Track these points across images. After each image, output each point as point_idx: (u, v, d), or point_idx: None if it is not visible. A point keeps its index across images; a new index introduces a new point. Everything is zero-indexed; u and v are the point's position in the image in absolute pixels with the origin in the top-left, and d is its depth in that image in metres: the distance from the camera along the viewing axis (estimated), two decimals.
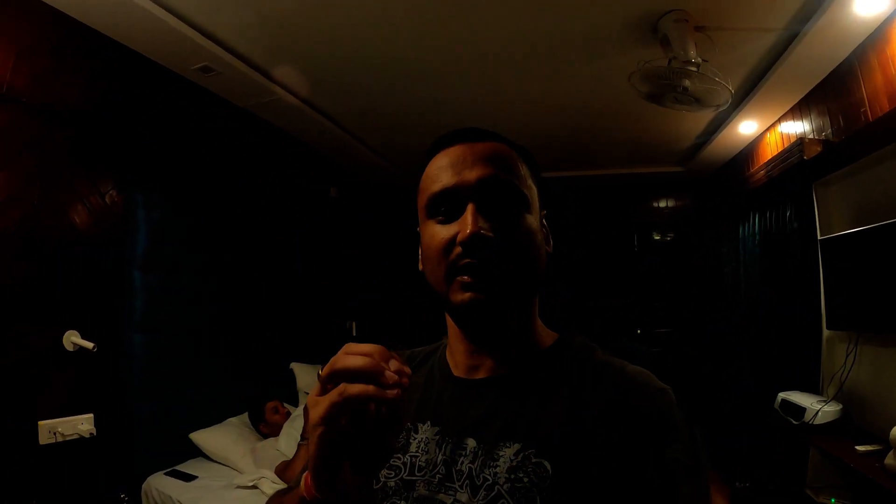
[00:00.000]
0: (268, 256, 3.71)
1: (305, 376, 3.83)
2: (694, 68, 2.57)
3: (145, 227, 2.71)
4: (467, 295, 0.71)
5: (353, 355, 0.55)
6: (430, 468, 0.75)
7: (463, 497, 0.70)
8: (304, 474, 0.60)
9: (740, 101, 3.39)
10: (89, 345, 2.33)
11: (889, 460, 2.25)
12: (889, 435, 2.26)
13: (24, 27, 2.19)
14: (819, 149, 2.89)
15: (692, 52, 2.55)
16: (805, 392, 3.17)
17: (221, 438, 2.94)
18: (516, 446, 0.70)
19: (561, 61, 3.04)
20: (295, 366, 3.87)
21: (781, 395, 3.22)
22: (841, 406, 2.87)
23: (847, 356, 2.95)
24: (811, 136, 3.06)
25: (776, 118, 3.57)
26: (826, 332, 3.28)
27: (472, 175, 0.74)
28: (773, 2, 2.41)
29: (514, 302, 0.75)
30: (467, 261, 0.71)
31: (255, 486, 2.62)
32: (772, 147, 3.69)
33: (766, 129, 3.77)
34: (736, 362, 4.41)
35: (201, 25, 2.61)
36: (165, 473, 2.67)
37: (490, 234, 0.71)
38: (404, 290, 5.53)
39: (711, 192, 5.19)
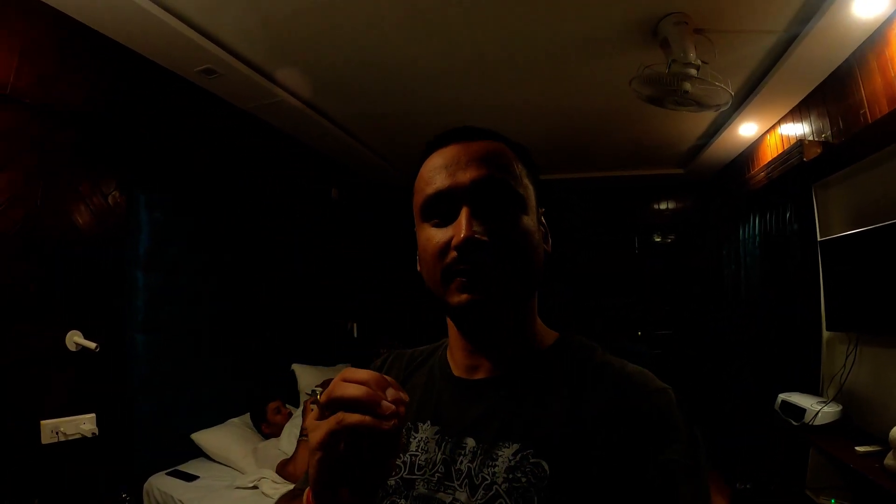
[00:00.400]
0: (269, 257, 3.72)
1: (306, 377, 3.83)
2: (694, 71, 2.58)
3: (147, 227, 2.72)
4: (464, 296, 0.71)
5: (351, 384, 0.56)
6: (430, 467, 0.75)
7: (462, 496, 0.70)
8: (306, 491, 0.61)
9: (740, 103, 3.40)
10: (92, 345, 2.34)
11: (889, 461, 2.25)
12: (889, 435, 2.26)
13: (27, 28, 2.20)
14: (819, 150, 2.89)
15: (692, 55, 2.56)
16: (805, 393, 3.17)
17: (223, 439, 2.95)
18: (515, 446, 0.70)
19: (561, 64, 3.05)
20: (296, 367, 3.87)
21: (781, 396, 3.22)
22: (841, 407, 2.88)
23: (847, 357, 2.96)
24: (811, 138, 3.07)
25: (776, 120, 3.58)
26: (826, 334, 3.28)
27: (465, 177, 0.73)
28: (773, 4, 2.42)
29: (511, 302, 0.74)
30: (462, 266, 0.71)
31: (255, 487, 2.62)
32: (772, 149, 3.70)
33: (767, 131, 3.78)
34: (736, 363, 4.41)
35: (204, 28, 2.63)
36: (167, 473, 2.67)
37: (485, 238, 0.70)
38: (405, 291, 5.55)
39: (712, 194, 5.19)
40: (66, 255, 2.35)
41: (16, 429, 2.11)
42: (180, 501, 2.47)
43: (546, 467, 0.67)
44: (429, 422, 0.80)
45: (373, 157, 4.70)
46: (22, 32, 2.18)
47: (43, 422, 2.19)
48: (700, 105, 2.73)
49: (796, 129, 3.31)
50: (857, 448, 2.52)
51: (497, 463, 0.70)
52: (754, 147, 4.04)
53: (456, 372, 0.83)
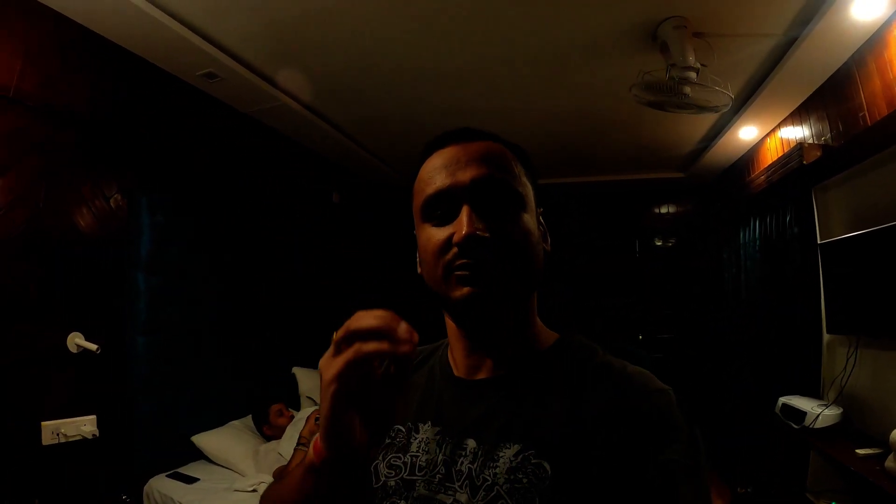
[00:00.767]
0: (270, 260, 3.73)
1: (307, 381, 3.83)
2: (693, 74, 2.59)
3: (149, 229, 2.73)
4: (465, 290, 0.71)
5: (367, 316, 0.58)
6: (431, 468, 0.75)
7: (462, 497, 0.70)
8: (314, 439, 0.62)
9: (740, 106, 3.41)
10: (93, 346, 2.35)
11: (889, 463, 2.25)
12: (889, 438, 2.25)
13: (31, 32, 2.22)
14: (818, 153, 2.90)
15: (691, 59, 2.57)
16: (805, 396, 3.17)
17: (223, 441, 2.95)
18: (516, 447, 0.70)
19: (562, 68, 3.07)
20: (297, 370, 3.87)
21: (782, 399, 3.22)
22: (841, 410, 2.87)
23: (847, 360, 2.95)
24: (810, 141, 3.07)
25: (776, 123, 3.59)
26: (826, 336, 3.28)
27: (465, 176, 0.74)
28: (771, 7, 2.43)
29: (512, 298, 0.74)
30: (464, 261, 0.71)
31: (254, 491, 2.62)
32: (772, 152, 3.71)
33: (767, 135, 3.79)
34: (737, 366, 4.40)
35: (206, 32, 2.64)
36: (167, 475, 2.67)
37: (486, 234, 0.71)
38: (406, 294, 5.56)
39: (712, 198, 5.20)
40: (68, 256, 2.36)
41: (16, 430, 2.12)
42: (180, 503, 2.47)
43: (547, 468, 0.67)
44: (429, 422, 0.80)
45: (374, 160, 4.71)
46: (25, 35, 2.20)
47: (44, 423, 2.20)
48: (700, 108, 2.74)
49: (796, 133, 3.32)
50: (857, 450, 2.51)
51: (498, 464, 0.70)
52: (754, 150, 4.04)
53: (456, 372, 0.83)
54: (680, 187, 5.48)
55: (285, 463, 2.82)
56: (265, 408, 3.21)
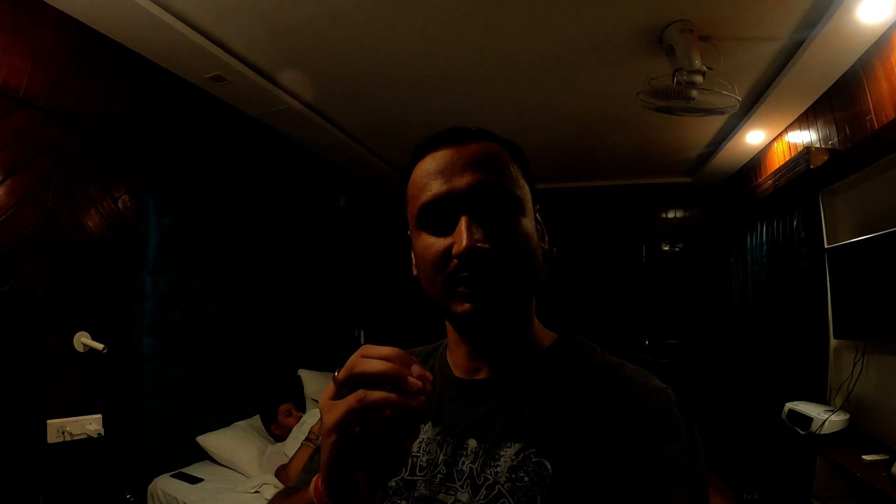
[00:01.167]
0: (277, 263, 3.74)
1: (313, 383, 3.84)
2: (700, 78, 2.59)
3: (156, 231, 2.74)
4: (467, 306, 0.71)
5: (373, 359, 0.53)
6: (432, 468, 0.75)
7: (464, 497, 0.70)
8: (315, 478, 0.59)
9: (747, 110, 3.40)
10: (99, 346, 2.36)
11: None
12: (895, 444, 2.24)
13: (40, 34, 2.24)
14: (825, 157, 2.89)
15: (697, 62, 2.56)
16: (812, 402, 3.15)
17: (228, 442, 2.96)
18: (517, 446, 0.70)
19: (568, 72, 3.07)
20: (303, 372, 3.88)
21: (788, 404, 3.20)
22: (848, 415, 2.85)
23: (854, 365, 2.93)
24: (818, 145, 3.06)
25: (783, 128, 3.58)
26: (833, 342, 3.26)
27: (462, 182, 0.72)
28: (777, 11, 2.42)
29: (513, 309, 0.74)
30: (465, 274, 0.70)
31: (257, 492, 2.63)
32: (779, 156, 3.69)
33: (774, 139, 3.77)
34: (743, 372, 4.38)
35: (214, 35, 2.67)
36: (171, 475, 2.68)
37: (486, 246, 0.69)
38: (411, 298, 5.56)
39: (720, 203, 5.19)
40: (76, 256, 2.38)
41: (22, 427, 2.13)
42: (184, 503, 2.48)
43: (549, 466, 0.67)
44: (430, 423, 0.80)
45: (380, 164, 4.72)
46: (34, 37, 2.22)
47: (49, 421, 2.21)
48: (708, 111, 2.74)
49: (803, 137, 3.30)
50: (864, 457, 2.49)
51: (499, 463, 0.70)
52: (761, 155, 4.03)
53: (456, 372, 0.83)
54: (687, 192, 5.46)
55: (286, 462, 2.83)
56: (274, 407, 3.22)
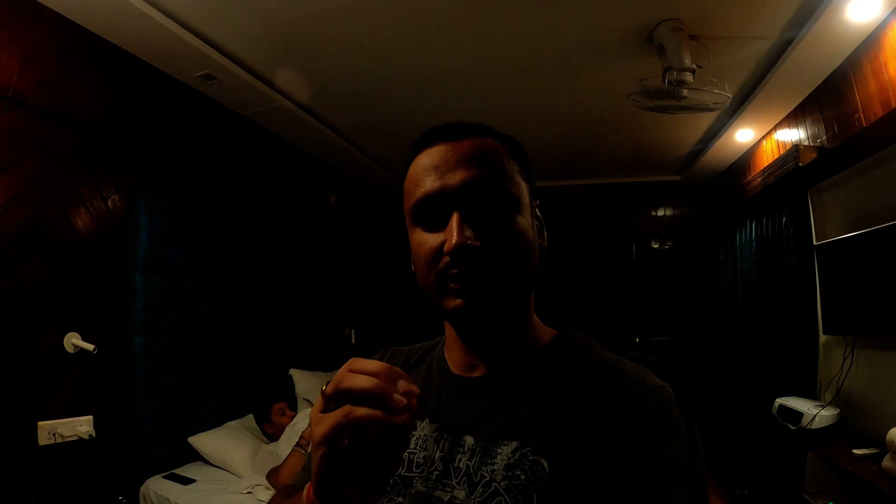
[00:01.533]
0: (268, 261, 3.73)
1: (304, 382, 3.82)
2: (689, 76, 2.60)
3: (147, 231, 2.72)
4: (458, 302, 0.71)
5: (360, 375, 0.53)
6: (428, 465, 0.75)
7: (460, 494, 0.70)
8: (307, 486, 0.60)
9: (736, 108, 3.43)
10: (90, 347, 2.34)
11: (887, 463, 2.25)
12: (886, 438, 2.26)
13: (29, 31, 2.22)
14: (814, 155, 2.92)
15: (687, 61, 2.58)
16: (802, 397, 3.18)
17: (220, 442, 2.94)
18: (514, 444, 0.70)
19: (559, 71, 3.08)
20: (294, 372, 3.87)
21: (779, 400, 3.22)
22: (838, 410, 2.88)
23: (844, 360, 2.96)
24: (806, 143, 3.09)
25: (772, 126, 3.61)
26: (822, 337, 3.29)
27: (455, 179, 0.72)
28: (767, 10, 2.44)
29: (506, 305, 0.73)
30: (455, 271, 0.70)
31: (249, 493, 2.61)
32: (768, 154, 3.73)
33: (763, 137, 3.81)
34: (733, 368, 4.41)
35: (205, 34, 2.65)
36: (163, 476, 2.66)
37: (477, 243, 0.69)
38: (403, 297, 5.57)
39: (709, 201, 5.23)
40: (66, 256, 2.36)
41: (13, 430, 2.11)
42: None
43: (545, 465, 0.67)
44: (427, 419, 0.80)
45: (371, 163, 4.72)
46: (24, 35, 2.20)
47: (40, 423, 2.19)
48: (699, 108, 2.76)
49: (792, 135, 3.34)
50: (854, 451, 2.52)
51: (496, 461, 0.69)
52: (751, 153, 4.06)
53: (454, 369, 0.83)
54: (677, 190, 5.50)
55: (278, 465, 2.82)
56: (268, 405, 3.21)
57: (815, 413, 2.84)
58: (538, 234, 0.79)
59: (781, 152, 3.36)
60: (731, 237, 4.61)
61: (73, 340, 2.35)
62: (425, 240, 0.74)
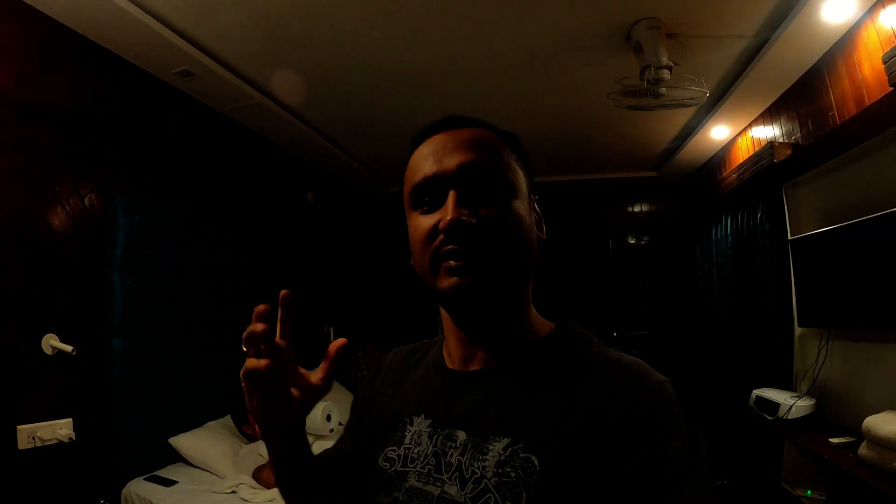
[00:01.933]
0: (247, 259, 3.68)
1: None
2: (667, 73, 2.64)
3: (124, 229, 2.67)
4: (453, 280, 0.70)
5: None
6: (422, 460, 0.75)
7: (452, 489, 0.70)
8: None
9: (712, 106, 3.48)
10: (68, 348, 2.29)
11: (863, 450, 2.32)
12: (861, 426, 2.32)
13: (7, 28, 2.16)
14: (788, 152, 2.98)
15: (664, 59, 2.60)
16: (779, 388, 3.25)
17: (200, 442, 2.90)
18: (506, 440, 0.69)
19: (537, 68, 3.09)
20: None
21: (756, 391, 3.29)
22: (814, 401, 2.95)
23: (819, 352, 3.04)
24: (781, 140, 3.15)
25: (747, 123, 3.67)
26: (798, 330, 3.37)
27: (452, 162, 0.73)
28: (743, 9, 2.48)
29: (501, 286, 0.73)
30: (450, 247, 0.70)
31: (233, 492, 2.59)
32: (743, 151, 3.79)
33: (738, 134, 3.87)
34: (711, 361, 4.49)
35: (182, 30, 2.60)
36: (145, 479, 2.62)
37: (472, 220, 0.70)
38: (381, 294, 5.55)
39: (685, 196, 5.30)
40: (44, 256, 2.31)
41: None
42: None
43: (536, 462, 0.66)
44: (423, 415, 0.80)
45: (349, 160, 4.69)
46: (2, 32, 2.14)
47: (19, 427, 2.14)
48: (677, 105, 2.80)
49: (767, 132, 3.40)
50: (831, 440, 2.59)
51: (487, 457, 0.69)
52: (726, 150, 4.13)
53: (450, 364, 0.83)
54: (653, 186, 5.57)
55: (263, 463, 2.80)
56: (244, 407, 3.17)
57: (792, 404, 2.91)
58: (537, 227, 0.80)
59: (757, 149, 3.42)
60: (707, 232, 4.68)
61: (51, 342, 2.29)
62: (421, 221, 0.74)
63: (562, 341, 0.79)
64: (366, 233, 5.59)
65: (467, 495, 0.68)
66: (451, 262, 0.70)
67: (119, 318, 2.65)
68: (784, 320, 3.46)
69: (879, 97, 2.23)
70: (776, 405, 2.99)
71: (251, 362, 0.75)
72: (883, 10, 2.19)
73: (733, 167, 3.81)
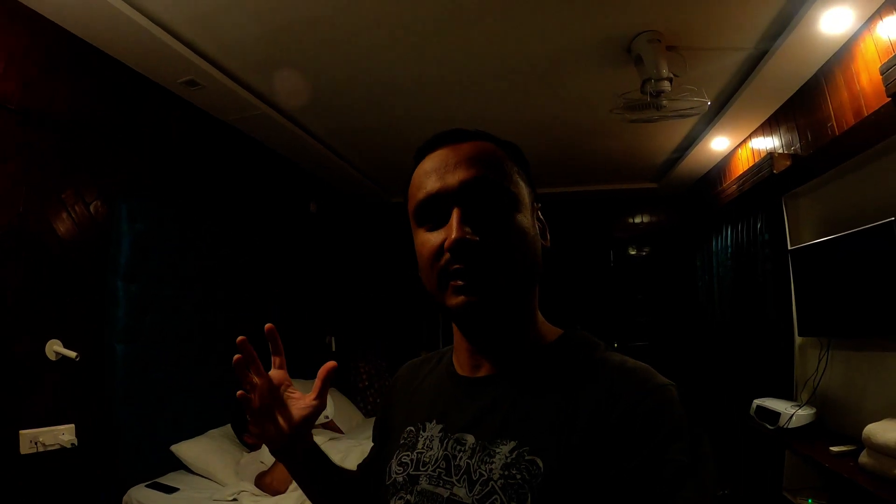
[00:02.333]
0: (249, 268, 3.70)
1: None
2: (667, 84, 2.66)
3: (128, 237, 2.69)
4: (461, 298, 0.72)
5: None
6: (433, 463, 0.76)
7: (461, 492, 0.71)
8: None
9: (712, 117, 3.51)
10: (72, 354, 2.30)
11: (863, 459, 2.32)
12: (862, 434, 2.32)
13: (14, 35, 2.19)
14: (788, 163, 3.00)
15: (665, 71, 2.63)
16: (779, 398, 3.25)
17: (202, 450, 2.90)
18: (512, 443, 0.70)
19: (538, 80, 3.13)
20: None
21: (756, 401, 3.29)
22: (815, 410, 2.95)
23: (819, 361, 3.04)
24: (780, 151, 3.18)
25: (747, 134, 3.69)
26: (798, 339, 3.38)
27: (454, 179, 0.74)
28: (743, 21, 2.51)
29: (508, 301, 0.74)
30: (456, 266, 0.71)
31: (234, 500, 2.59)
32: (743, 162, 3.82)
33: (738, 145, 3.89)
34: (711, 371, 4.49)
35: (188, 40, 2.64)
36: (146, 485, 2.61)
37: (475, 238, 0.71)
38: (382, 304, 5.55)
39: (685, 207, 5.32)
40: (48, 262, 2.32)
41: None
42: None
43: (540, 464, 0.67)
44: (434, 420, 0.81)
45: (351, 170, 4.72)
46: (7, 38, 2.17)
47: (22, 431, 2.14)
48: (678, 115, 2.83)
49: (766, 143, 3.42)
50: (831, 448, 2.59)
51: (494, 460, 0.70)
52: (726, 161, 4.15)
53: (460, 371, 0.84)
54: (654, 197, 5.59)
55: (265, 469, 2.80)
56: (244, 416, 3.17)
57: (793, 413, 2.91)
58: (540, 235, 0.81)
59: (756, 160, 3.44)
60: (707, 243, 4.70)
61: (54, 348, 2.30)
62: (427, 239, 0.75)
63: (568, 346, 0.80)
64: (367, 243, 5.61)
65: (475, 497, 0.69)
66: (459, 282, 0.72)
67: (122, 325, 2.66)
68: (784, 330, 3.46)
69: (877, 107, 2.25)
70: (777, 414, 3.00)
71: (241, 394, 0.87)
72: (880, 22, 2.22)
73: (733, 178, 3.83)
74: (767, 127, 3.40)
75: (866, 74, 2.33)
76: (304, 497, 1.03)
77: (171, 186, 3.09)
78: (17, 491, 2.11)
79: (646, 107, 2.76)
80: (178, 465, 2.84)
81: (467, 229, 0.71)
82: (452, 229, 0.71)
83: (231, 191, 3.63)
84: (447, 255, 0.72)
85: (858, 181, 2.83)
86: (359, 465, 1.03)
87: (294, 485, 2.54)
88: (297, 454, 0.90)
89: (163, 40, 2.53)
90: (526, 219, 0.77)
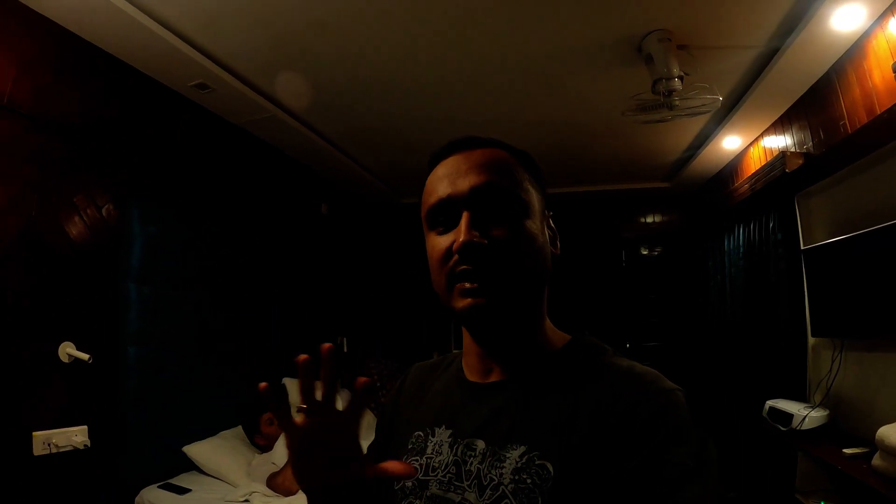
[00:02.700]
0: (261, 270, 3.72)
1: (297, 391, 3.80)
2: (678, 83, 2.65)
3: (140, 239, 2.72)
4: (468, 300, 0.73)
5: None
6: (443, 468, 0.77)
7: (471, 496, 0.72)
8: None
9: (724, 116, 3.48)
10: (85, 356, 2.33)
11: (876, 461, 2.29)
12: (875, 436, 2.29)
13: (26, 41, 2.22)
14: (800, 162, 2.97)
15: (675, 70, 2.62)
16: (792, 399, 3.22)
17: (214, 451, 2.93)
18: (522, 448, 0.71)
19: (548, 80, 3.12)
20: (287, 381, 3.84)
21: (769, 402, 3.26)
22: (828, 411, 2.92)
23: (832, 362, 3.01)
24: (793, 150, 3.15)
25: (759, 133, 3.66)
26: (811, 340, 3.34)
27: (465, 184, 0.75)
28: (753, 19, 2.49)
29: (515, 304, 0.75)
30: (464, 267, 0.73)
31: (246, 501, 2.61)
32: (755, 161, 3.78)
33: (750, 144, 3.86)
34: (723, 372, 4.45)
35: (198, 43, 2.66)
36: (159, 486, 2.64)
37: (484, 241, 0.72)
38: (394, 305, 5.56)
39: (697, 207, 5.28)
40: (61, 265, 2.35)
41: (8, 440, 2.09)
42: None
43: (550, 469, 0.67)
44: (444, 425, 0.82)
45: (362, 172, 4.74)
46: (20, 44, 2.20)
47: (35, 433, 2.17)
48: (690, 113, 2.81)
49: (778, 142, 3.39)
50: (844, 450, 2.56)
51: (504, 465, 0.71)
52: (738, 159, 4.12)
53: (469, 376, 0.85)
54: (665, 197, 5.56)
55: (276, 470, 2.81)
56: (255, 417, 3.19)
57: (805, 414, 2.88)
58: (550, 243, 0.82)
59: (768, 159, 3.42)
60: (719, 243, 4.66)
61: (67, 350, 2.33)
62: (437, 242, 0.77)
63: (576, 351, 0.81)
64: (378, 244, 5.63)
65: (485, 502, 0.70)
66: (466, 284, 0.73)
67: (134, 327, 2.69)
68: (797, 330, 3.43)
69: (890, 105, 2.23)
70: (789, 416, 2.97)
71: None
72: (892, 19, 2.19)
73: (745, 177, 3.80)
74: (779, 125, 3.37)
75: (879, 72, 2.31)
76: None
77: (181, 189, 3.12)
78: (30, 492, 2.14)
79: (658, 107, 2.74)
80: (189, 466, 2.86)
81: (475, 233, 0.72)
82: (461, 232, 0.72)
83: (242, 193, 3.66)
84: (455, 258, 0.73)
85: (872, 180, 2.79)
86: (369, 447, 0.95)
87: None
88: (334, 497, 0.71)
89: (174, 44, 2.56)
90: (535, 225, 0.78)
